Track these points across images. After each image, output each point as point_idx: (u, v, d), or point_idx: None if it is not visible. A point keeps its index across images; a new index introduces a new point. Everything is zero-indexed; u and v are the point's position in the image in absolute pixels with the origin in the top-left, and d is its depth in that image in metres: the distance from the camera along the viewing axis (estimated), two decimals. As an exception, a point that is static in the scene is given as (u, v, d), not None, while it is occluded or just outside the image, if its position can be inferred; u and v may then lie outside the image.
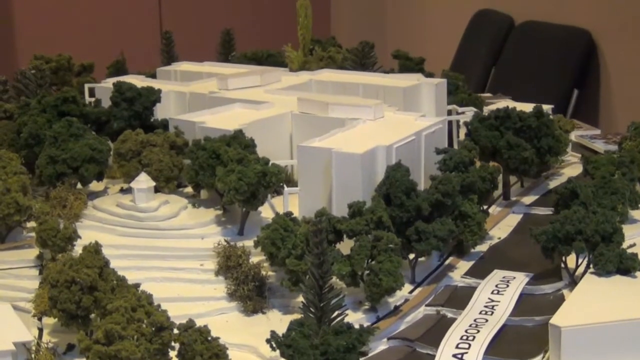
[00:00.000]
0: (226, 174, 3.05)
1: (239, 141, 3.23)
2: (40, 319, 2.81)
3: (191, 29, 7.98)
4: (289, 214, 2.94)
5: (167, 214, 3.19)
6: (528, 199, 3.79)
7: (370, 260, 2.84)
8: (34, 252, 3.10)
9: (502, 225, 3.56)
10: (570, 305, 2.74)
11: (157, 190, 3.29)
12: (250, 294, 2.90)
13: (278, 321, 2.82)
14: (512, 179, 3.82)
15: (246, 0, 8.47)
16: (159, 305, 2.56)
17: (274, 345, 2.33)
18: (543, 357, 2.66)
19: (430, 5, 9.30)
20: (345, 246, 2.92)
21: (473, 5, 8.47)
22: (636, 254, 2.91)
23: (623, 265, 2.88)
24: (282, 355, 2.32)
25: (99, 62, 5.07)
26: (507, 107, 3.65)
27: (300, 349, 2.27)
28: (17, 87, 4.05)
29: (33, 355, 2.58)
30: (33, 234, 3.07)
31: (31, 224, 3.17)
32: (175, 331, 2.52)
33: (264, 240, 2.86)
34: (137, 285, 2.66)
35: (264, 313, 2.90)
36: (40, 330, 2.79)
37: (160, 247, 3.09)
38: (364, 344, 2.39)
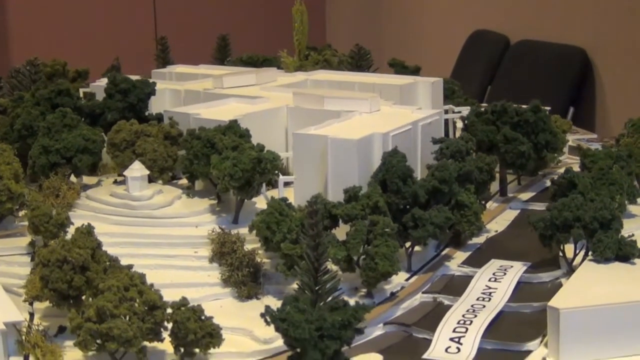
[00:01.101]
0: (221, 161, 3.02)
1: (234, 131, 3.20)
2: (31, 304, 2.77)
3: (187, 35, 7.99)
4: (284, 200, 2.91)
5: (161, 203, 3.16)
6: (525, 195, 3.77)
7: (366, 245, 2.81)
8: (26, 240, 3.07)
9: (499, 220, 3.54)
10: (569, 288, 2.71)
11: (151, 181, 3.26)
12: (245, 279, 2.87)
13: (273, 307, 2.77)
14: (509, 182, 3.80)
15: (242, 6, 8.48)
16: (151, 285, 2.53)
17: (268, 320, 2.29)
18: (541, 341, 2.62)
19: (426, 28, 9.32)
20: (340, 232, 2.89)
21: (468, 26, 8.50)
22: (635, 241, 2.89)
23: (622, 252, 2.85)
24: (276, 329, 2.28)
25: (94, 68, 5.05)
26: (504, 101, 3.63)
27: (295, 322, 2.23)
28: (11, 82, 4.03)
29: (24, 337, 2.54)
30: (25, 223, 3.04)
31: (23, 213, 3.14)
32: (169, 311, 2.48)
33: (259, 224, 2.83)
34: (129, 267, 2.63)
35: (258, 299, 2.86)
36: (32, 314, 2.75)
37: (154, 234, 3.06)
38: (360, 320, 2.34)
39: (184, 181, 3.37)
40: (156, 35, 6.64)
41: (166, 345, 2.52)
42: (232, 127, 3.22)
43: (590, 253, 2.90)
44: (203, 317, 2.46)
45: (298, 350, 2.30)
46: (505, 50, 8.02)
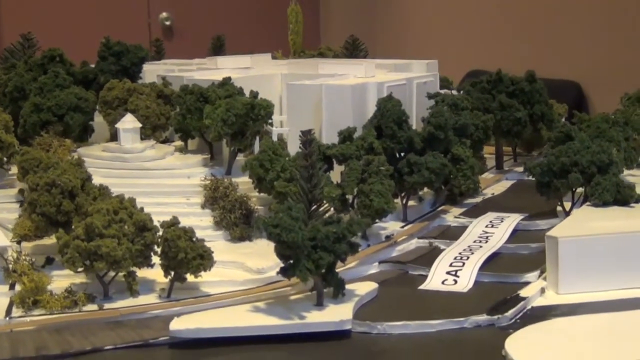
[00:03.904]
0: (214, 110, 2.98)
1: (228, 87, 3.16)
2: (19, 243, 2.71)
3: (181, 36, 7.99)
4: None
5: (154, 156, 3.11)
6: (521, 169, 3.72)
7: (360, 185, 2.75)
8: (15, 190, 3.02)
9: (495, 187, 3.50)
10: (568, 223, 2.67)
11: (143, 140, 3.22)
12: (237, 221, 2.82)
13: (265, 245, 2.71)
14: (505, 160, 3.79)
15: (237, 6, 8.46)
16: (142, 209, 2.47)
17: (261, 227, 2.23)
18: (540, 275, 2.57)
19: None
20: (335, 177, 2.84)
21: (463, 67, 8.53)
22: (634, 184, 2.85)
23: (620, 195, 2.80)
24: (269, 237, 2.22)
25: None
26: (499, 70, 3.62)
27: (288, 226, 2.17)
28: (4, 55, 4.01)
29: (10, 266, 2.48)
30: (15, 177, 3.00)
31: (15, 169, 3.10)
32: (159, 234, 2.43)
33: (252, 162, 2.78)
34: (120, 195, 2.57)
35: (250, 240, 2.81)
36: (19, 252, 2.68)
37: (146, 184, 3.01)
38: (354, 234, 2.29)
39: (176, 143, 3.33)
40: (150, 37, 6.64)
41: (157, 274, 2.47)
42: (226, 84, 3.18)
43: (588, 198, 2.85)
44: (194, 239, 2.40)
45: (291, 261, 2.25)
46: (500, 87, 8.04)
